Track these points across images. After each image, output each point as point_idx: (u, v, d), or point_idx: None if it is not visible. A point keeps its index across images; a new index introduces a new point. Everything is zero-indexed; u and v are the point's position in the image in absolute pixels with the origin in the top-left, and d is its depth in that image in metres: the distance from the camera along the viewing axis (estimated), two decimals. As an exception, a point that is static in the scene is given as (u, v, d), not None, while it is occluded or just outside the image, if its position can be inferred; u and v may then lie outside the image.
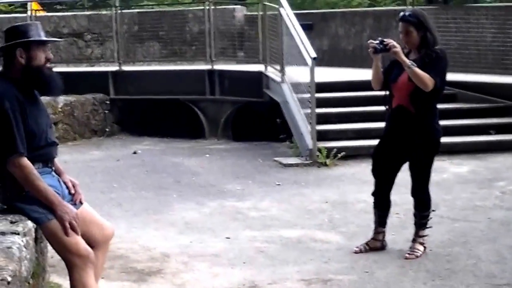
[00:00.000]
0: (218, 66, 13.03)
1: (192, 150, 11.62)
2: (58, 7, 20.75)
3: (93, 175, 9.62)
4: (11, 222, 3.99)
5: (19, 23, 4.31)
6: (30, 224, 4.05)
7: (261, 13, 12.64)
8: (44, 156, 4.29)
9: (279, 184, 8.88)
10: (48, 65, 4.33)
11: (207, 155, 11.08)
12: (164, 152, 11.45)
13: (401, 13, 5.82)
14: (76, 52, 15.44)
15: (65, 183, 4.44)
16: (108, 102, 13.26)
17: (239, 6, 15.08)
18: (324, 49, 14.57)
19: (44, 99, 11.78)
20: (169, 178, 9.36)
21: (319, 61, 11.94)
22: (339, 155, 9.81)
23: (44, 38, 4.34)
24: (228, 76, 12.84)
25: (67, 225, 4.12)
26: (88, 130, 12.96)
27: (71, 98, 12.68)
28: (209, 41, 13.14)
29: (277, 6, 11.61)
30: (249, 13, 14.93)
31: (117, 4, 13.66)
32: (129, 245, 6.48)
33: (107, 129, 13.19)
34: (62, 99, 12.52)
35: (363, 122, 10.54)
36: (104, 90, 13.32)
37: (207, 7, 13.18)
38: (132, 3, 20.35)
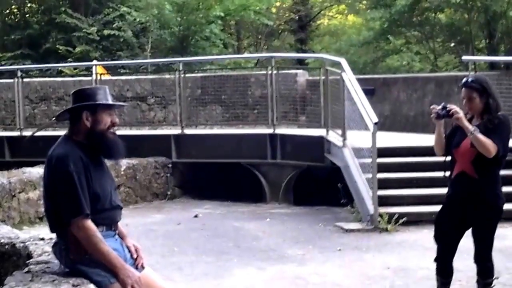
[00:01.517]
0: (280, 130, 13.09)
1: (253, 214, 11.63)
2: (122, 71, 21.26)
3: (154, 239, 9.67)
4: (73, 286, 4.01)
5: (87, 86, 4.39)
6: (92, 287, 4.06)
7: (323, 77, 12.69)
8: (107, 219, 4.32)
9: (340, 250, 8.79)
10: (112, 129, 4.38)
11: (268, 219, 11.07)
12: (225, 216, 11.48)
13: (464, 79, 5.79)
14: (139, 115, 15.72)
15: (127, 247, 4.47)
16: (170, 165, 13.39)
17: (301, 71, 15.22)
18: (386, 114, 14.56)
19: (107, 162, 12.01)
20: (229, 243, 9.36)
21: (380, 126, 11.91)
22: (401, 221, 9.70)
23: (111, 102, 4.40)
24: (289, 140, 12.88)
25: (130, 288, 4.14)
26: (150, 193, 13.08)
27: (133, 161, 12.85)
28: (271, 105, 13.23)
29: (339, 71, 11.66)
30: (311, 77, 15.04)
31: (180, 69, 13.85)
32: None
33: (168, 193, 13.30)
34: (125, 162, 12.70)
35: (424, 188, 10.44)
36: (166, 153, 13.48)
37: (270, 72, 13.27)
38: (195, 68, 20.68)
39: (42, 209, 10.70)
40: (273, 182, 12.91)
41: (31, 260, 4.73)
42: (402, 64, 26.90)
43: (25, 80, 16.27)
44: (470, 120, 5.69)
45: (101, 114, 4.29)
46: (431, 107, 5.77)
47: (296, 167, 12.76)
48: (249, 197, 12.70)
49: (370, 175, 10.12)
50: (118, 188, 12.23)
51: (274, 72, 13.31)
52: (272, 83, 13.28)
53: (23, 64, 23.19)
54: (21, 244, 5.28)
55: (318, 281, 7.41)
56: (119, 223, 4.51)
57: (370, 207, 9.96)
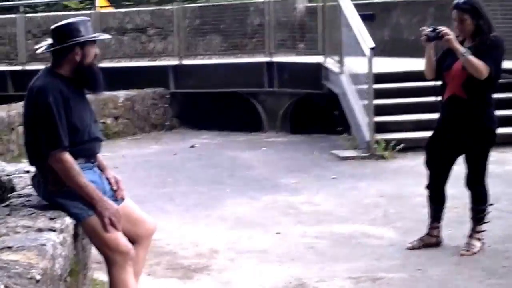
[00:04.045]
0: (277, 58, 12.92)
1: (250, 143, 11.56)
2: (126, 2, 21.01)
3: (149, 169, 9.65)
4: (50, 219, 3.96)
5: (69, 21, 4.29)
6: (68, 220, 4.01)
7: (321, 4, 12.45)
8: (86, 151, 4.27)
9: (334, 178, 8.73)
10: (94, 61, 4.35)
11: (264, 148, 11.00)
12: (222, 145, 11.42)
13: (455, 1, 5.61)
14: (139, 47, 15.52)
15: (107, 179, 4.41)
16: (168, 96, 13.29)
17: (300, -2, 14.91)
18: (386, 39, 14.30)
19: (105, 93, 11.89)
20: (223, 172, 9.31)
21: (380, 52, 11.71)
22: (398, 147, 9.60)
23: (104, 36, 4.54)
24: (286, 68, 12.73)
25: (107, 221, 4.09)
26: (148, 124, 13.02)
27: (131, 92, 12.77)
28: (268, 33, 13.04)
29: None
30: (310, 4, 14.74)
31: (178, -1, 13.66)
32: (178, 241, 6.44)
33: (166, 123, 13.23)
34: (123, 94, 12.61)
35: (423, 113, 10.24)
36: (164, 84, 13.37)
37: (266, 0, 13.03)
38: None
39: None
40: (271, 111, 12.80)
41: (13, 193, 4.69)
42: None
43: (28, 15, 16.13)
44: (461, 43, 5.54)
45: (88, 47, 4.26)
46: (421, 29, 5.61)
47: (293, 95, 12.64)
48: (247, 126, 12.62)
49: (366, 102, 9.98)
50: (116, 119, 12.33)
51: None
52: (270, 11, 13.02)
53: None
54: (6, 177, 5.24)
55: (309, 210, 7.37)
56: (99, 155, 4.47)
57: (366, 133, 9.85)
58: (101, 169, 4.44)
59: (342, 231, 6.59)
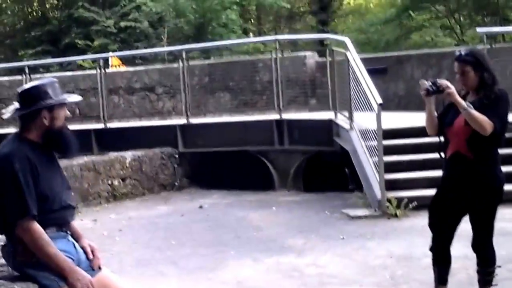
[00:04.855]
0: (287, 115, 12.70)
1: (260, 203, 11.27)
2: (138, 61, 21.08)
3: (154, 232, 9.40)
4: (17, 292, 3.71)
5: (36, 83, 4.10)
6: (36, 293, 3.76)
7: (329, 59, 12.27)
8: (57, 220, 4.04)
9: (343, 238, 8.42)
10: (65, 124, 4.15)
11: (274, 208, 10.71)
12: (231, 205, 11.15)
13: (457, 52, 5.35)
14: (148, 106, 15.44)
15: (83, 248, 4.17)
16: (176, 155, 13.08)
17: (310, 53, 14.77)
18: (400, 93, 14.08)
19: (112, 154, 11.69)
20: (229, 234, 9.03)
21: (395, 106, 11.46)
22: (411, 206, 9.29)
23: (73, 98, 4.24)
24: (297, 125, 12.51)
25: (79, 292, 3.83)
26: (157, 184, 12.78)
27: (139, 152, 12.57)
28: (276, 90, 12.85)
29: (343, 51, 11.22)
30: (320, 59, 14.59)
31: (184, 57, 13.54)
32: (175, 307, 6.16)
33: (176, 183, 12.99)
34: (130, 154, 12.43)
35: (436, 170, 9.90)
36: (172, 143, 13.18)
37: (274, 56, 12.88)
38: (211, 54, 20.35)
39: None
40: (282, 169, 12.53)
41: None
42: (425, 40, 26.12)
43: (34, 75, 16.12)
44: (464, 97, 5.26)
45: (58, 110, 4.07)
46: (420, 82, 5.35)
47: (305, 152, 12.38)
48: (258, 185, 12.34)
49: (377, 158, 9.70)
50: (123, 180, 12.12)
51: (279, 56, 12.90)
52: (277, 68, 12.87)
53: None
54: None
55: (314, 272, 7.06)
56: (74, 223, 4.24)
57: (378, 191, 9.56)
58: (76, 237, 4.20)
59: (345, 295, 6.28)
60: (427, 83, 5.28)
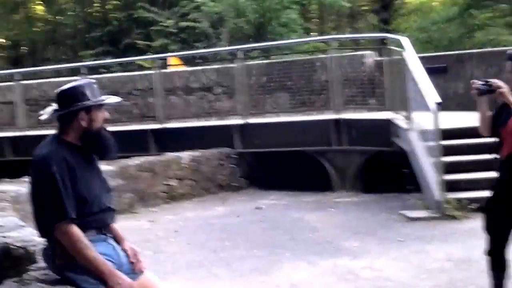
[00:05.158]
0: (345, 115, 12.50)
1: (317, 204, 11.13)
2: (199, 61, 21.12)
3: (209, 233, 9.33)
4: (56, 296, 3.68)
5: (73, 84, 4.04)
6: (76, 297, 3.71)
7: (387, 58, 12.05)
8: (97, 223, 3.98)
9: (401, 240, 8.22)
10: (104, 126, 4.08)
11: (332, 209, 10.55)
12: (288, 206, 11.03)
13: (509, 51, 5.15)
14: (206, 106, 15.42)
15: (124, 250, 4.11)
16: (234, 156, 13.00)
17: (369, 52, 14.53)
18: (460, 92, 13.75)
19: (169, 155, 11.65)
20: (285, 235, 8.92)
21: (455, 105, 11.17)
22: (471, 207, 9.02)
23: (112, 100, 4.16)
24: (355, 125, 12.31)
25: (120, 297, 3.78)
26: (215, 185, 12.73)
27: (196, 153, 12.54)
28: (334, 89, 12.68)
29: (400, 50, 11.00)
30: (379, 58, 14.35)
31: (240, 56, 13.48)
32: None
33: (234, 184, 12.92)
34: (186, 155, 12.41)
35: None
36: (230, 143, 13.12)
37: (331, 55, 12.70)
38: (271, 54, 20.23)
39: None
40: (340, 170, 12.35)
41: (32, 265, 4.44)
42: (489, 39, 25.58)
43: (96, 76, 16.25)
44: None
45: (96, 112, 4.01)
46: (471, 81, 5.17)
47: (363, 153, 12.18)
48: (317, 185, 12.19)
49: (435, 159, 9.47)
50: (181, 181, 12.10)
51: (336, 55, 12.72)
52: (335, 67, 12.69)
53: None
54: (32, 248, 5.01)
55: (370, 276, 6.89)
56: (115, 226, 4.19)
57: (436, 192, 9.32)
58: (118, 240, 4.14)
59: (400, 299, 6.11)
60: (478, 83, 5.10)
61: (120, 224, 10.23)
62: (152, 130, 14.07)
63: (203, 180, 12.53)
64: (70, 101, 3.96)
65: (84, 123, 3.97)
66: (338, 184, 12.30)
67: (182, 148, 12.63)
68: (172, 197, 11.98)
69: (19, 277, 4.10)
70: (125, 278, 3.85)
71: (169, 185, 11.96)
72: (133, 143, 13.39)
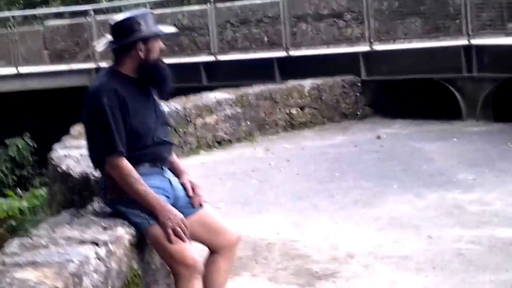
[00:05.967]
0: (477, 41, 11.81)
1: (442, 133, 10.64)
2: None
3: (320, 163, 9.16)
4: (103, 228, 3.66)
5: (128, 15, 3.94)
6: (121, 231, 3.68)
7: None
8: (151, 156, 3.90)
9: (519, 174, 7.73)
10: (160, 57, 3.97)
11: (455, 139, 10.06)
12: (410, 136, 10.62)
13: None
14: (336, 32, 15.06)
15: (183, 184, 4.02)
16: (359, 84, 12.64)
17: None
18: None
19: (290, 83, 11.52)
20: (398, 166, 8.59)
21: None
22: None
23: (169, 30, 4.13)
24: (487, 51, 11.62)
25: (170, 231, 3.72)
26: (338, 113, 12.44)
27: (318, 81, 12.28)
28: (464, 13, 11.99)
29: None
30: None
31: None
32: (318, 242, 5.97)
33: (358, 112, 12.59)
34: (308, 83, 12.19)
35: None
36: (355, 71, 12.74)
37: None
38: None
39: (220, 133, 10.62)
40: (470, 98, 11.72)
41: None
42: None
43: (227, 4, 16.22)
44: None
45: (153, 42, 3.90)
46: None
47: (495, 80, 11.49)
48: (444, 114, 11.67)
49: None
50: (302, 109, 11.94)
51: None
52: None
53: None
54: (93, 178, 5.08)
55: (476, 210, 6.54)
56: (175, 159, 4.12)
57: None
58: (177, 173, 4.06)
59: (503, 235, 5.74)
60: None
61: (235, 152, 10.34)
62: (278, 58, 13.90)
63: (325, 109, 12.29)
64: (127, 32, 3.86)
65: (142, 54, 3.87)
66: (467, 112, 11.72)
67: (306, 76, 12.41)
68: (292, 125, 11.84)
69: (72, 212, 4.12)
70: (176, 213, 3.78)
71: (289, 113, 11.82)
72: (257, 72, 13.32)
